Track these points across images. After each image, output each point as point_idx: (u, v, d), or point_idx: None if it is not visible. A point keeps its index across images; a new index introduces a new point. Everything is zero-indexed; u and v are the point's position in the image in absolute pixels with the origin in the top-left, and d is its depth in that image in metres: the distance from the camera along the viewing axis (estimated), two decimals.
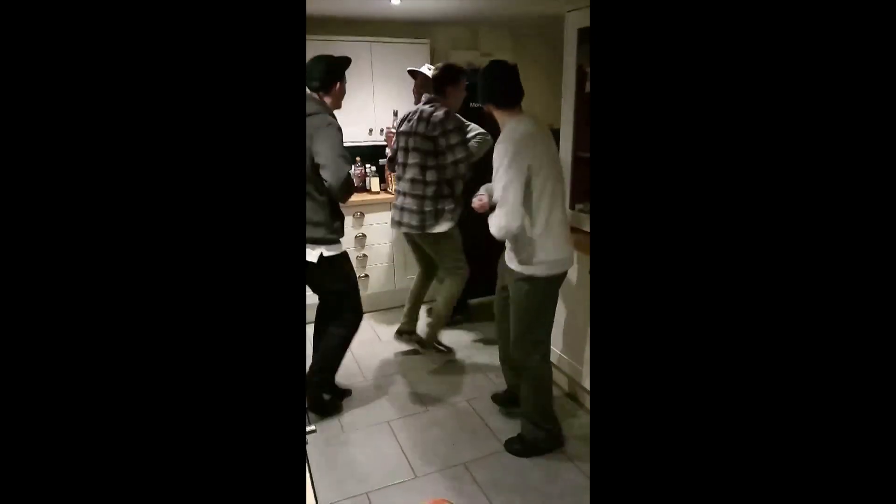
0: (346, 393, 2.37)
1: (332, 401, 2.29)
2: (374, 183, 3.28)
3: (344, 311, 2.14)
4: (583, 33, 2.06)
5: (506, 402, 2.24)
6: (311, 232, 1.96)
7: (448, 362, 2.69)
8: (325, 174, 1.86)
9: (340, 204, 2.03)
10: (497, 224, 1.67)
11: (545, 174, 1.67)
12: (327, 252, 1.98)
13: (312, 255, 1.97)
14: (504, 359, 2.15)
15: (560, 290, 1.87)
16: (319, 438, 2.08)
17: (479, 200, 1.86)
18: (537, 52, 3.76)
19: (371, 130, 3.26)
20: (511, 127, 1.70)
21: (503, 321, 2.02)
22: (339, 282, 2.08)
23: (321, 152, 1.85)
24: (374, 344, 2.90)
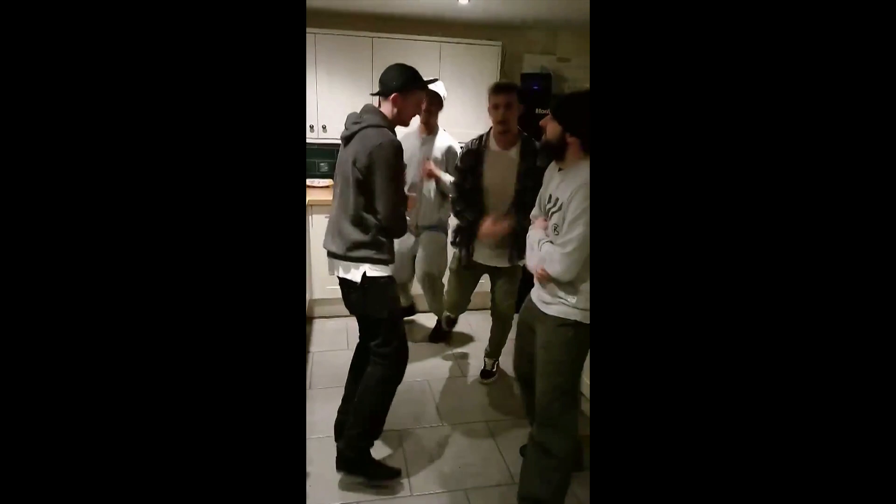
0: (393, 473, 1.89)
1: (383, 467, 1.90)
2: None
3: (386, 345, 1.85)
4: None
5: None
6: (355, 251, 1.77)
7: (477, 381, 2.57)
8: (378, 205, 1.73)
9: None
10: (560, 270, 1.52)
11: None
12: (371, 272, 1.78)
13: (355, 274, 1.78)
14: (529, 410, 1.90)
15: None
16: (324, 436, 2.05)
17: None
18: None
19: None
20: (587, 169, 1.50)
21: (528, 373, 1.78)
22: (382, 308, 1.83)
23: (377, 181, 1.69)
24: None
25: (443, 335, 2.99)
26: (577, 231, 1.48)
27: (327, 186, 3.27)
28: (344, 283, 1.88)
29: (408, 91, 1.80)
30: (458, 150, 2.46)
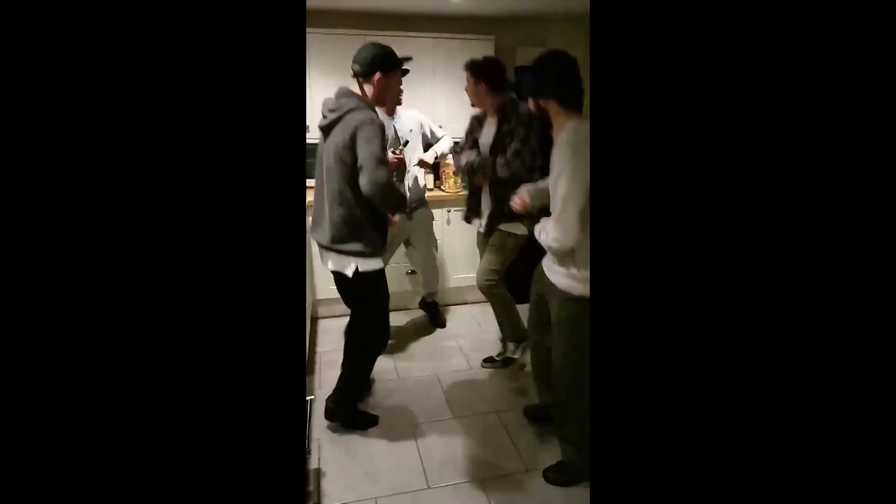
0: (371, 420, 2.15)
1: (363, 415, 2.15)
2: (429, 180, 3.24)
3: (370, 330, 2.00)
4: None
5: (538, 418, 2.11)
6: (346, 244, 1.78)
7: (487, 371, 2.60)
8: (361, 180, 1.67)
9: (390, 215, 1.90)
10: (553, 236, 1.53)
11: None
12: (363, 267, 1.82)
13: (348, 268, 1.82)
14: (538, 375, 2.01)
15: None
16: (342, 432, 2.08)
17: (519, 199, 1.76)
18: None
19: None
20: (574, 128, 1.52)
21: (538, 335, 1.89)
22: (371, 300, 1.94)
23: (360, 155, 1.66)
24: (411, 343, 2.87)
25: (437, 318, 3.06)
26: (561, 192, 1.45)
27: None
28: (336, 274, 1.91)
29: (391, 71, 1.78)
30: (424, 119, 2.72)
